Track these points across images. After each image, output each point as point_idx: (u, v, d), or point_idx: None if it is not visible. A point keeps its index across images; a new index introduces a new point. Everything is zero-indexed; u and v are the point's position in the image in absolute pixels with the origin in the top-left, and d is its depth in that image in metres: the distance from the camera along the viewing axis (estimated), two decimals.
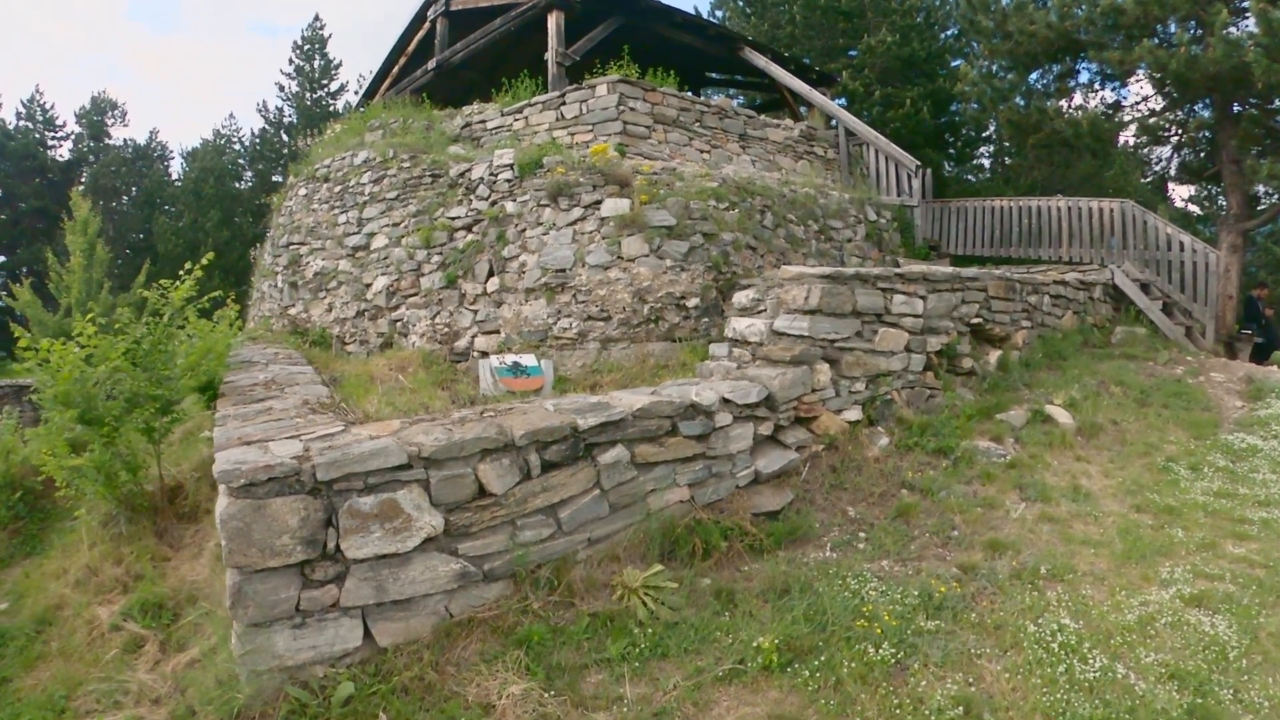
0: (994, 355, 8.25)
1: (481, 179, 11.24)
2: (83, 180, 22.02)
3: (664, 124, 11.88)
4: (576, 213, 10.33)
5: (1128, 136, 16.04)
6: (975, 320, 8.06)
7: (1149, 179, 17.46)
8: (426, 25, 15.69)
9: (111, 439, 6.88)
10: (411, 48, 16.17)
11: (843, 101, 18.86)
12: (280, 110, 22.48)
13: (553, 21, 12.85)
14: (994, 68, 14.34)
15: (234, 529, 3.56)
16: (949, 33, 19.68)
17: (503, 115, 12.48)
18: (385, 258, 11.96)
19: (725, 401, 5.62)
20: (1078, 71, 13.43)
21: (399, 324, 11.70)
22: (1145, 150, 15.70)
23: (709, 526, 5.15)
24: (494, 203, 11.08)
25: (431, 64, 15.33)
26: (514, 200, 10.86)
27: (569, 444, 4.63)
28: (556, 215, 10.45)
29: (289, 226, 13.64)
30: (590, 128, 11.64)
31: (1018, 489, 6.05)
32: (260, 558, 3.59)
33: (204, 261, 10.14)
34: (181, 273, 8.58)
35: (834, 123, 14.55)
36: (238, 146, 25.47)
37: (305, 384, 8.22)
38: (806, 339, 6.43)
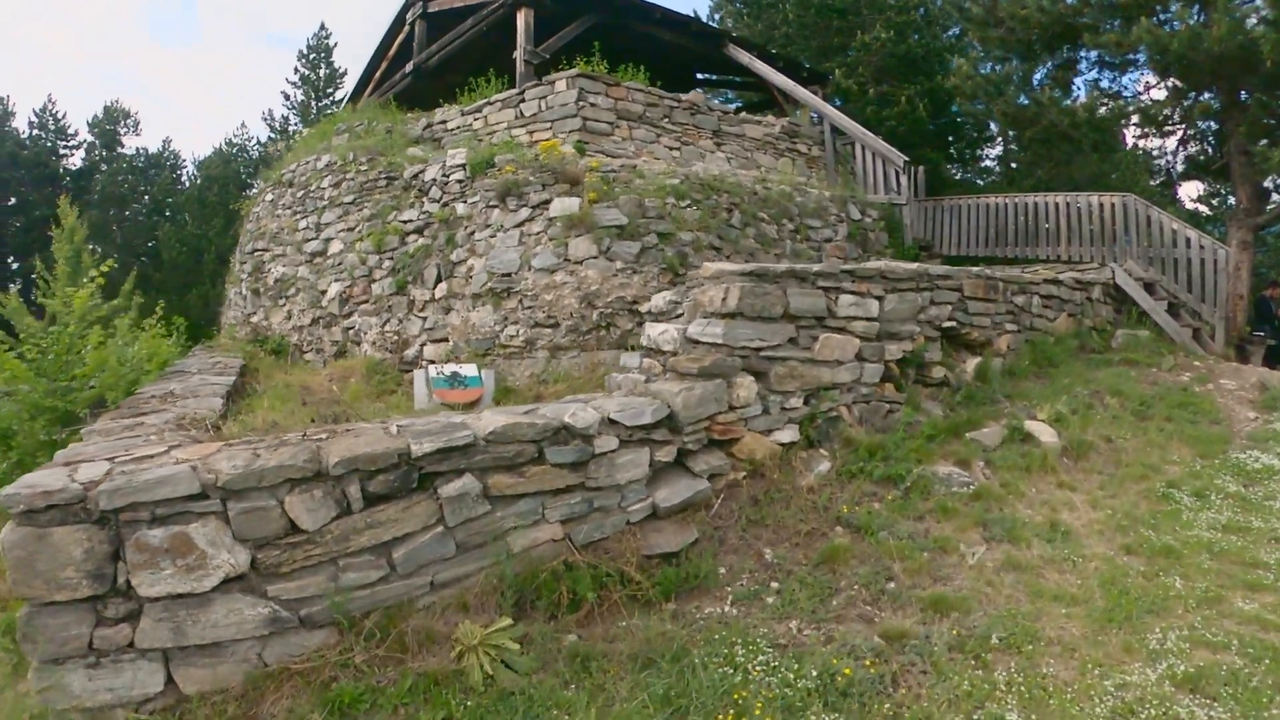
0: (971, 363, 7.06)
1: (434, 180, 10.29)
2: (97, 190, 21.54)
3: (628, 120, 10.83)
4: (524, 213, 9.33)
5: (1133, 134, 14.69)
6: (948, 324, 6.88)
7: (1158, 180, 15.98)
8: (406, 28, 14.80)
9: (7, 449, 6.40)
10: (393, 51, 15.30)
11: (839, 102, 17.66)
12: (286, 119, 21.89)
13: (521, 19, 11.87)
14: (989, 60, 13.09)
15: (17, 558, 3.22)
16: (952, 32, 18.40)
17: (463, 115, 11.52)
18: (340, 263, 11.05)
19: (610, 423, 4.56)
20: (1078, 61, 12.13)
21: (351, 332, 10.77)
22: (1148, 143, 14.32)
23: (580, 572, 4.15)
24: (445, 204, 10.12)
25: (409, 67, 14.43)
26: (465, 202, 9.90)
27: (399, 473, 3.81)
28: (505, 216, 9.47)
29: (255, 233, 12.82)
30: (549, 125, 10.63)
31: (980, 526, 4.88)
32: (46, 590, 3.25)
33: (104, 269, 9.41)
34: (85, 280, 7.72)
35: (814, 118, 13.38)
36: (249, 155, 24.95)
37: (205, 396, 7.36)
38: (722, 347, 5.33)
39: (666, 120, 11.16)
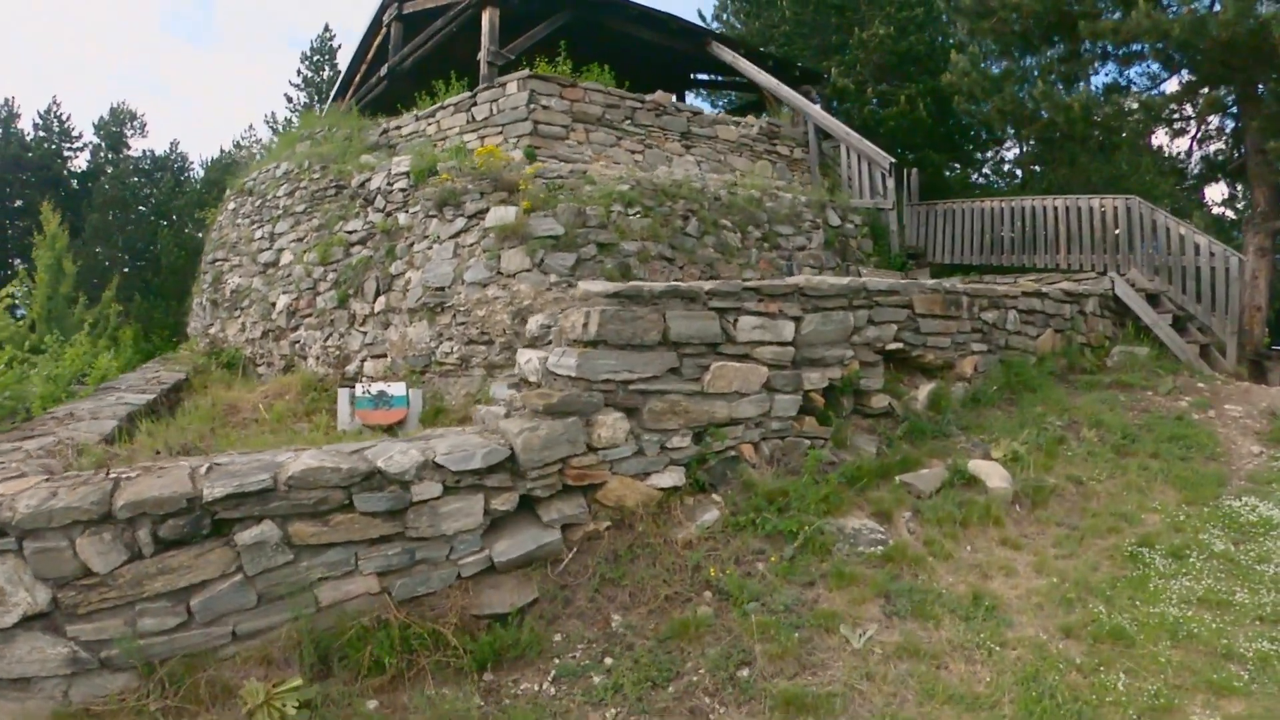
0: (924, 390, 6.06)
1: (379, 189, 9.59)
2: (99, 193, 21.40)
3: (585, 123, 10.00)
4: (459, 223, 8.58)
5: (1160, 136, 13.35)
6: (893, 346, 5.90)
7: (1186, 184, 14.50)
8: (383, 30, 14.21)
9: None
10: (371, 54, 14.74)
11: (836, 103, 16.60)
12: (289, 121, 21.54)
13: (486, 19, 11.14)
14: (984, 55, 11.94)
15: None
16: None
17: (417, 120, 10.83)
18: (289, 275, 10.43)
19: (435, 467, 3.81)
20: (1080, 54, 10.91)
21: (298, 346, 10.13)
22: (1174, 144, 12.91)
23: (390, 631, 3.55)
24: (388, 214, 9.42)
25: (383, 70, 13.83)
26: (406, 212, 9.19)
27: (190, 518, 3.50)
28: (441, 227, 8.73)
29: (217, 242, 12.30)
30: (500, 129, 9.86)
31: (883, 597, 3.92)
32: None
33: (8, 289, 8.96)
34: None
35: (806, 119, 12.38)
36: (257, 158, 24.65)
37: (104, 419, 7.01)
38: (579, 381, 4.47)
39: (628, 122, 10.31)
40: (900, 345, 5.90)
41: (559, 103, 9.79)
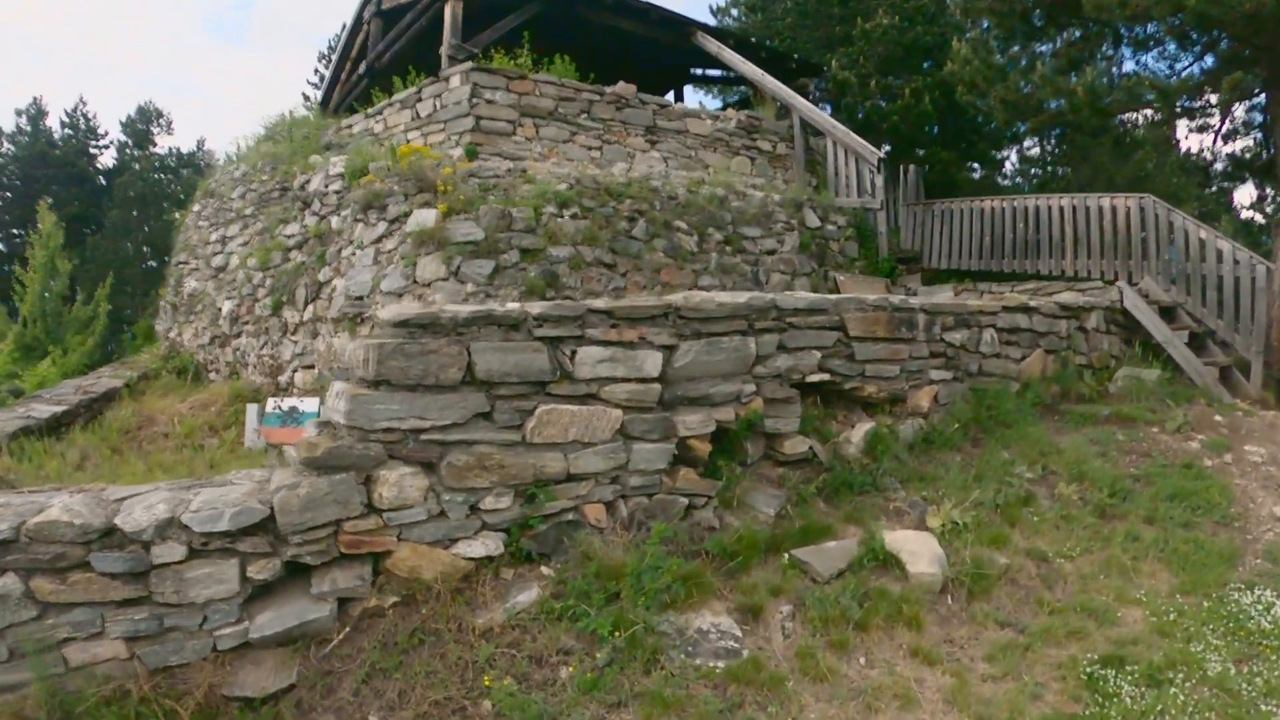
0: (859, 431, 4.76)
1: (316, 192, 8.63)
2: (120, 190, 21.10)
3: (535, 117, 8.85)
4: (381, 228, 7.56)
5: (1179, 133, 11.54)
6: (817, 377, 4.62)
7: (1212, 186, 12.60)
8: (364, 28, 13.28)
9: None
10: (355, 52, 13.81)
11: (839, 97, 15.10)
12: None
13: (449, 11, 10.05)
14: (989, 42, 10.38)
15: None
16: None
17: (366, 118, 9.83)
18: (234, 279, 9.57)
19: (181, 526, 3.06)
20: (1090, 38, 9.27)
21: (239, 353, 9.25)
22: (1176, 136, 11.12)
23: (124, 705, 2.98)
24: (323, 218, 8.46)
25: (362, 68, 12.89)
26: (339, 215, 8.21)
27: None
28: (366, 231, 7.71)
29: (181, 244, 11.55)
30: (443, 126, 8.79)
31: None
32: None
33: None
34: None
35: (777, 109, 11.01)
36: None
37: None
38: (354, 430, 3.38)
39: (584, 116, 9.12)
40: (827, 376, 4.62)
41: (505, 96, 8.66)
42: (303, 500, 3.19)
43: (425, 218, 7.20)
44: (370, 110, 9.79)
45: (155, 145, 24.59)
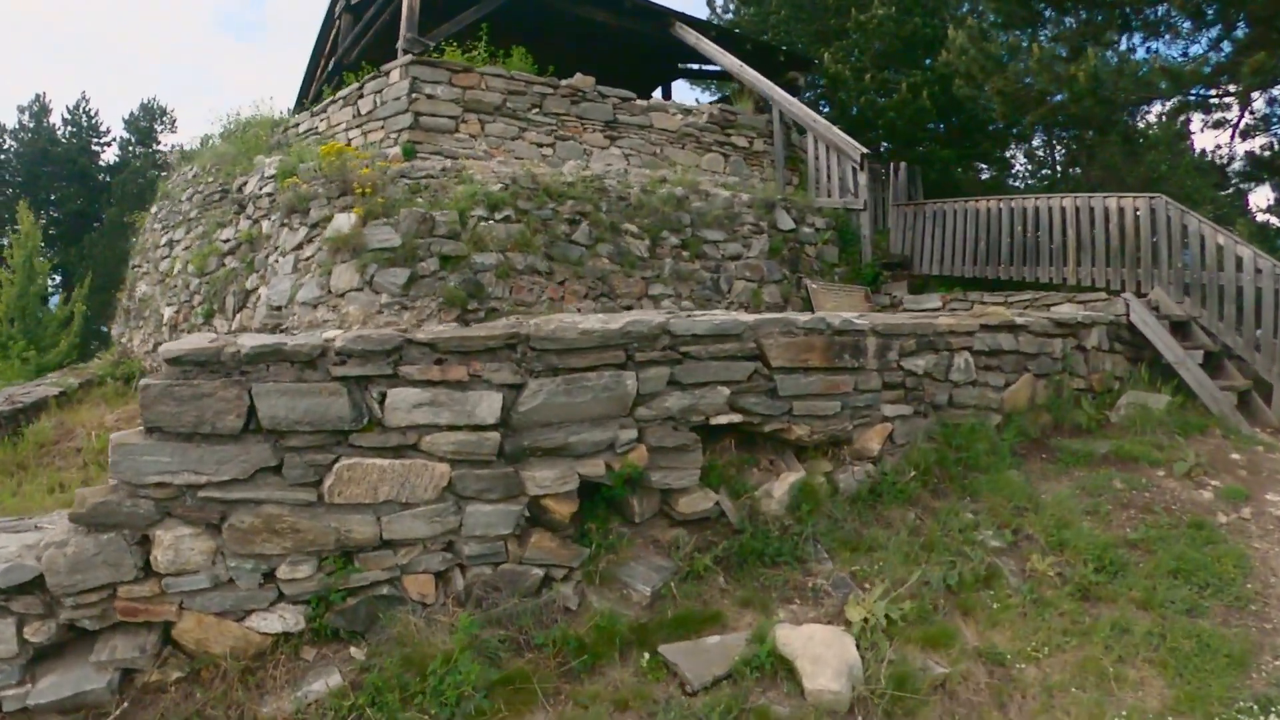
0: (785, 483, 3.73)
1: (251, 195, 7.80)
2: (119, 187, 20.61)
3: (481, 112, 7.90)
4: (303, 233, 6.70)
5: (1193, 130, 10.21)
6: (725, 419, 3.61)
7: (1229, 187, 11.26)
8: (335, 24, 12.46)
9: None
10: (327, 49, 13.03)
11: (831, 92, 13.95)
12: None
13: (406, 2, 9.16)
14: (988, 31, 9.22)
15: None
16: (964, 7, 14.18)
17: (311, 117, 8.97)
18: (175, 285, 8.79)
19: None
20: (1098, 24, 8.06)
21: None
22: (1191, 134, 9.81)
23: None
24: (255, 222, 7.63)
25: (330, 65, 12.07)
26: (270, 219, 7.36)
27: None
28: (289, 236, 6.86)
29: (138, 247, 10.84)
30: (382, 123, 7.89)
31: None
32: None
33: None
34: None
35: (755, 102, 9.94)
36: None
37: None
38: (124, 484, 2.72)
39: (535, 111, 8.16)
40: (739, 417, 3.61)
41: (448, 90, 7.74)
42: (70, 561, 2.59)
43: (342, 223, 6.32)
44: (316, 108, 8.93)
45: (159, 143, 24.09)
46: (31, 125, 22.84)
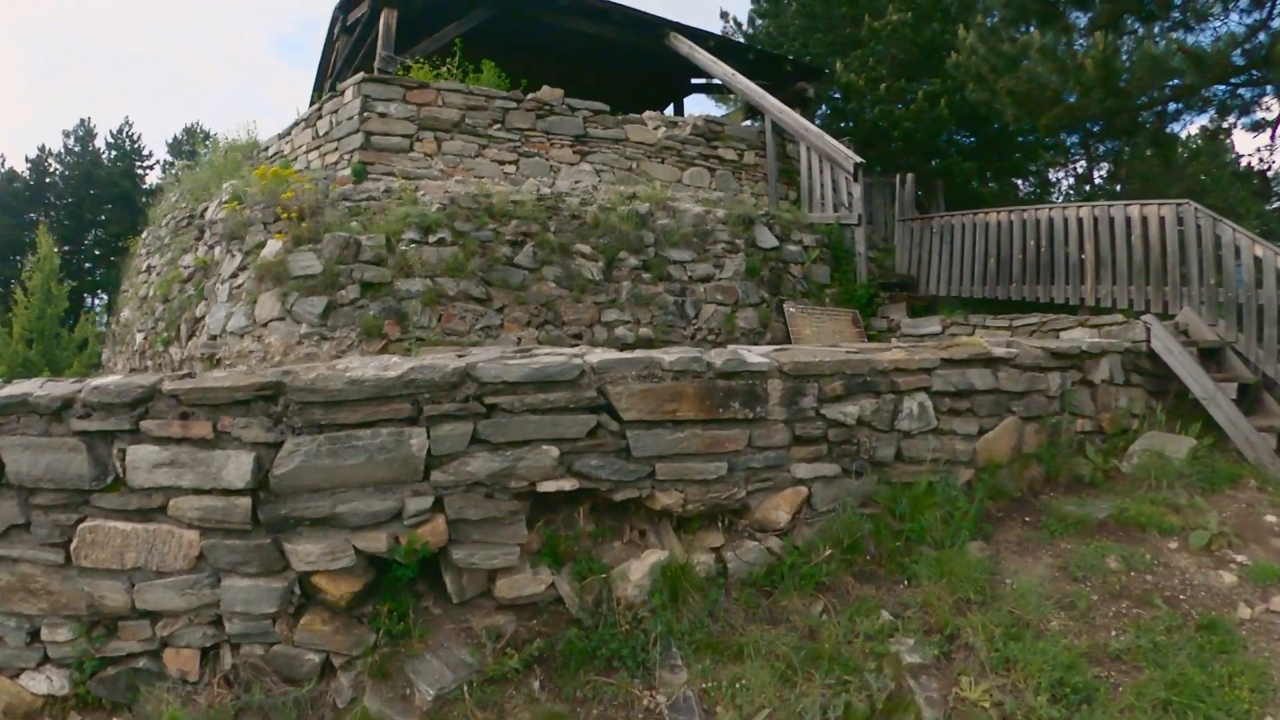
0: (645, 563, 2.90)
1: (210, 220, 7.46)
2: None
3: (438, 130, 7.35)
4: (239, 260, 6.25)
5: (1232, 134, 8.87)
6: (555, 485, 2.82)
7: (1275, 201, 9.81)
8: (335, 47, 12.28)
9: None
10: (330, 71, 12.87)
11: (843, 108, 12.99)
12: None
13: (383, 21, 8.79)
14: (1001, 30, 8.18)
15: None
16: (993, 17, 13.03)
17: (279, 139, 8.61)
18: (147, 310, 8.55)
19: None
20: (1121, 17, 6.92)
21: None
22: (1219, 128, 8.43)
23: None
24: (211, 247, 7.26)
25: (328, 85, 11.85)
26: (222, 244, 6.98)
27: None
28: (229, 263, 6.44)
29: (127, 272, 10.75)
30: (336, 144, 7.43)
31: None
32: None
33: None
34: None
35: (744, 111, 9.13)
36: None
37: None
38: None
39: (497, 127, 7.57)
40: (576, 483, 2.82)
41: (401, 108, 7.23)
42: None
43: (270, 249, 5.86)
44: (282, 131, 8.57)
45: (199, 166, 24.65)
46: (77, 149, 23.64)
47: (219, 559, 2.38)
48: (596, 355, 2.93)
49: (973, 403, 4.16)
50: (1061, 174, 14.74)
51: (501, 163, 7.47)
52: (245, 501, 2.36)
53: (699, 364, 3.02)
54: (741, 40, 14.95)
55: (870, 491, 3.54)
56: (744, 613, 2.90)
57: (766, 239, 7.41)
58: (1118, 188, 13.83)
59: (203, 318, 6.90)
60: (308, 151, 7.85)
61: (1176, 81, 6.12)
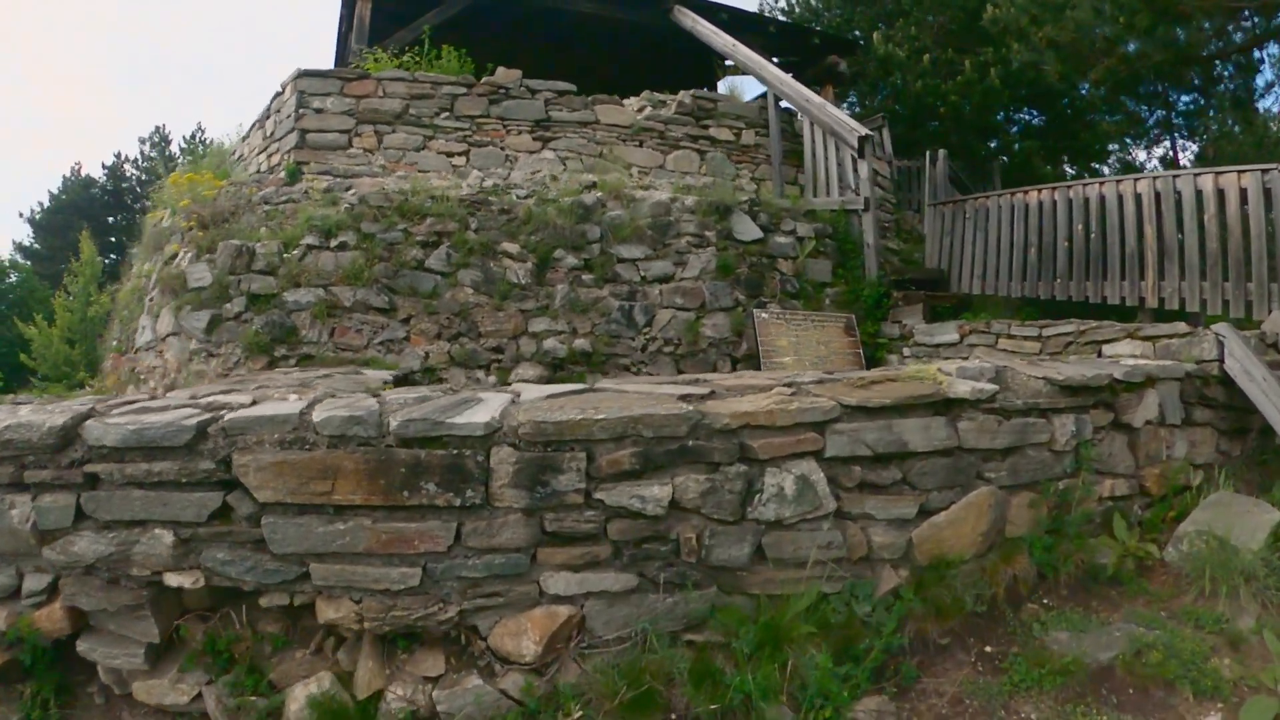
0: (304, 693, 1.85)
1: (164, 230, 6.99)
2: None
3: (378, 123, 6.47)
4: (159, 270, 5.66)
5: None
6: (179, 579, 1.82)
7: None
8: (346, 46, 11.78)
9: None
10: None
11: (882, 83, 11.18)
12: None
13: (357, 12, 8.08)
14: None
15: None
16: None
17: (241, 142, 8.01)
18: (119, 321, 8.28)
19: None
20: None
21: None
22: None
23: None
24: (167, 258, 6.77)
25: None
26: (150, 256, 6.50)
27: None
28: (154, 275, 5.88)
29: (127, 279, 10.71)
30: (278, 144, 6.72)
31: None
32: None
33: None
34: None
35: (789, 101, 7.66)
36: None
37: None
38: None
39: (445, 115, 6.60)
40: (200, 579, 1.79)
41: (339, 102, 6.40)
42: None
43: (175, 260, 5.23)
44: (244, 133, 7.98)
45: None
46: (154, 155, 24.67)
47: None
48: (216, 414, 1.89)
49: (907, 471, 2.77)
50: (1144, 155, 12.24)
51: (450, 154, 6.52)
52: None
53: (365, 426, 1.91)
54: (781, 16, 13.36)
55: (696, 612, 2.28)
56: None
57: (747, 230, 6.09)
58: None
59: (142, 330, 6.41)
60: (259, 154, 7.21)
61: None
